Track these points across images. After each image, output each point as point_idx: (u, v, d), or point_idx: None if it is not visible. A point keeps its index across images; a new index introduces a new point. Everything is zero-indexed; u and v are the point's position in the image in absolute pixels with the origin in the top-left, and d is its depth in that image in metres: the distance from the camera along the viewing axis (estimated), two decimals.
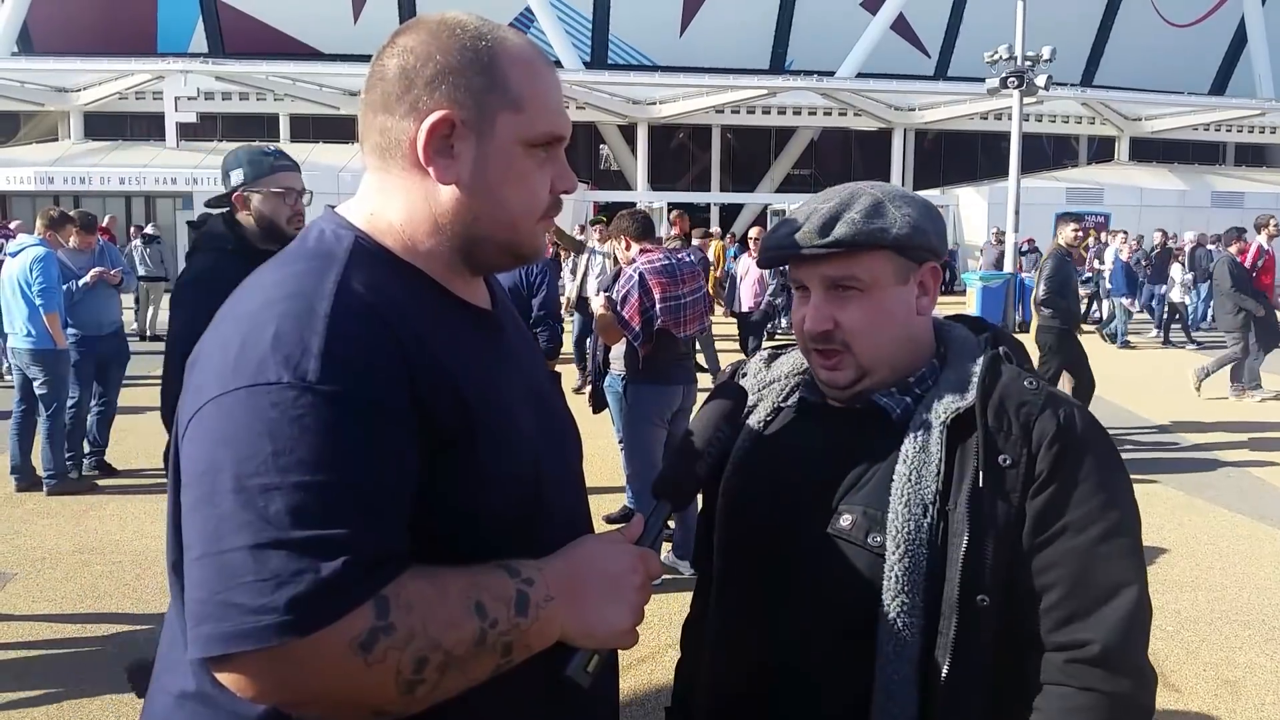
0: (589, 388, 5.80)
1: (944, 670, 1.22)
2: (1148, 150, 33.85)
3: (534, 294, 6.42)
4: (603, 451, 6.43)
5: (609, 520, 5.87)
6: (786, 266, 1.38)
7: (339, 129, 29.98)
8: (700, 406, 1.38)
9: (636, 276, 5.04)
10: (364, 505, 0.94)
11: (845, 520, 1.28)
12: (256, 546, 0.89)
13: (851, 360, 1.33)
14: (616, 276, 5.74)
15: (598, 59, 33.39)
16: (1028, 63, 20.13)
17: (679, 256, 5.31)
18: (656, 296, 5.01)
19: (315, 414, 0.94)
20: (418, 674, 0.94)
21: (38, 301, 6.48)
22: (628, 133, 32.60)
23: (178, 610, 1.10)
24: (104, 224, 12.69)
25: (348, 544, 0.91)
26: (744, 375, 1.55)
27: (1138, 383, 11.57)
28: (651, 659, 4.01)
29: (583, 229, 7.97)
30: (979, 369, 1.32)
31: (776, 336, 14.22)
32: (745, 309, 12.10)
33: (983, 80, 21.91)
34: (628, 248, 5.32)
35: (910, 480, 1.25)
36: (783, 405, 1.47)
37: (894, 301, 1.33)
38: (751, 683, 1.35)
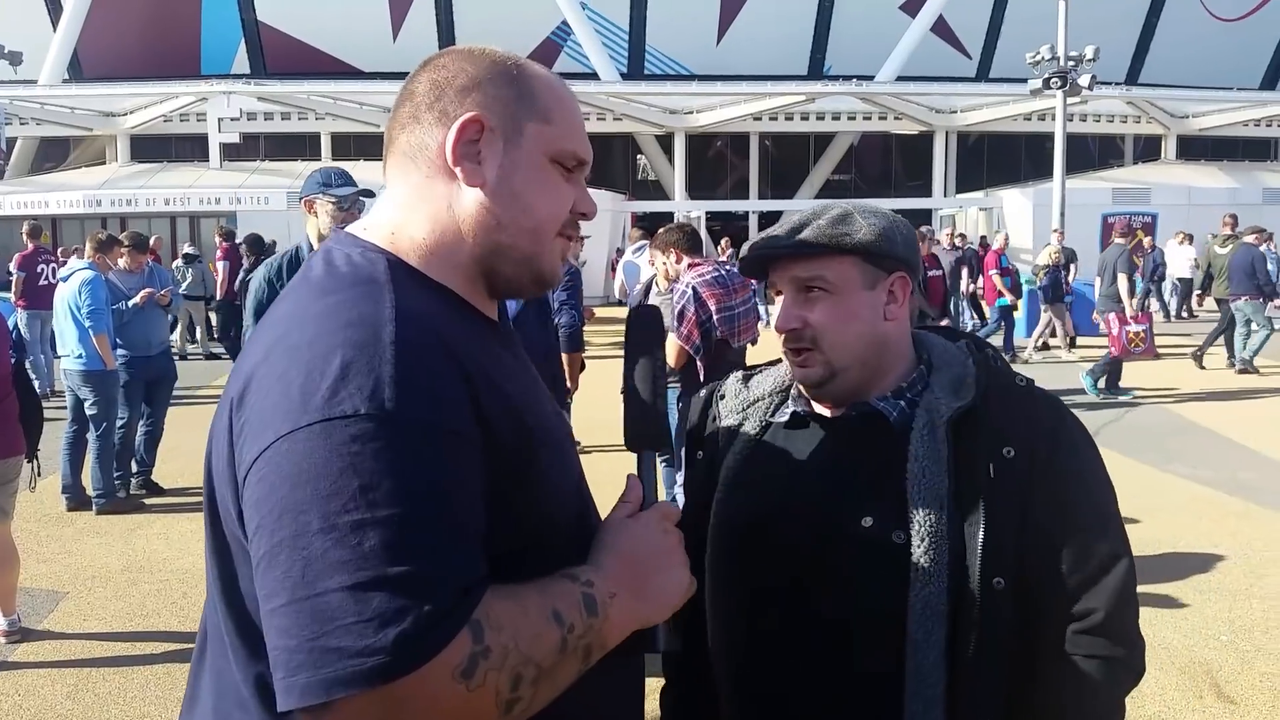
0: None
1: (970, 651, 1.32)
2: (1196, 148, 33.23)
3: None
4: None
5: None
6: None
7: (380, 146, 30.23)
8: (626, 339, 1.31)
9: (690, 291, 5.00)
10: (452, 533, 0.94)
11: (868, 521, 1.36)
12: (355, 586, 0.87)
13: (820, 358, 1.43)
14: (648, 289, 5.71)
15: (634, 69, 33.46)
16: (1071, 62, 19.91)
17: (727, 268, 5.28)
18: (713, 308, 4.98)
19: (398, 445, 0.92)
20: (514, 692, 0.94)
21: (87, 324, 6.59)
22: (665, 142, 32.62)
23: (246, 675, 1.05)
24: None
25: (444, 574, 0.91)
26: (722, 397, 1.62)
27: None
28: None
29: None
30: (972, 370, 1.44)
31: None
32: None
33: (1025, 81, 21.71)
34: (678, 261, 5.29)
35: (924, 477, 1.35)
36: (771, 420, 1.53)
37: (860, 304, 1.43)
38: (787, 683, 1.42)
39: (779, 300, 1.47)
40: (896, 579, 1.34)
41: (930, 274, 10.32)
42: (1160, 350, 11.84)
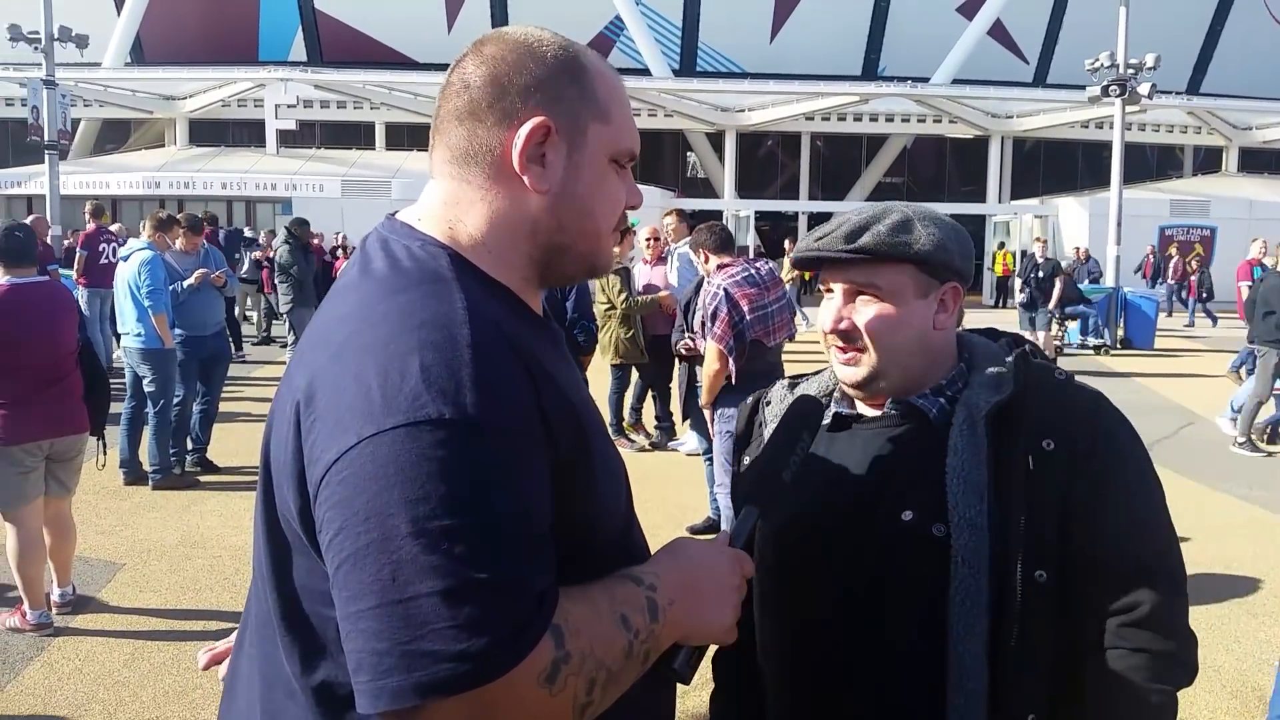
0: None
1: (1012, 643, 1.32)
2: (1258, 161, 32.55)
3: (566, 296, 6.59)
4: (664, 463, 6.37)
5: (693, 531, 5.87)
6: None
7: None
8: (781, 416, 1.44)
9: (722, 293, 5.00)
10: (534, 537, 0.94)
11: (907, 515, 1.37)
12: (447, 591, 0.87)
13: (867, 359, 1.43)
14: (697, 289, 5.72)
15: (687, 66, 33.40)
16: (1130, 70, 19.54)
17: (757, 266, 5.26)
18: (745, 309, 4.97)
19: (482, 450, 0.92)
20: (589, 696, 0.95)
21: (146, 303, 6.73)
22: (715, 140, 32.54)
23: (297, 669, 1.06)
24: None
25: (529, 579, 0.92)
26: (768, 403, 1.63)
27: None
28: None
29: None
30: (1010, 364, 1.43)
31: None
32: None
33: (1083, 88, 21.33)
34: (706, 261, 5.28)
35: (963, 470, 1.35)
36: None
37: (911, 313, 1.42)
38: (828, 678, 1.44)
39: (828, 296, 1.47)
40: (937, 572, 1.34)
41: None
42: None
